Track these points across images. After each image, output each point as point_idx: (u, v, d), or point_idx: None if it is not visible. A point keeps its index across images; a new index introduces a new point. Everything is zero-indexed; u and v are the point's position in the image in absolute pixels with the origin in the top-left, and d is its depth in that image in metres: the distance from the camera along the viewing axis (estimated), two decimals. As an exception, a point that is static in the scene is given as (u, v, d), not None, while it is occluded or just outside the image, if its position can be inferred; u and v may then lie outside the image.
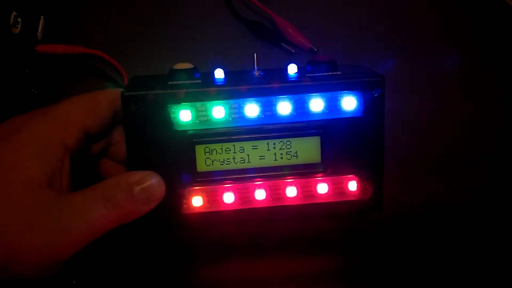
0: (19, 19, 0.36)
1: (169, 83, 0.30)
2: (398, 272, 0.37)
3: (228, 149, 0.31)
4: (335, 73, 0.31)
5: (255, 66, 0.33)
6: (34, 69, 0.37)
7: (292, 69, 0.32)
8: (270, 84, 0.30)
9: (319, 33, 0.39)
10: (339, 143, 0.31)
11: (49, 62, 0.38)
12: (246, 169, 0.31)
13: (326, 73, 0.31)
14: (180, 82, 0.30)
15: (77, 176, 0.29)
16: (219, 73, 0.32)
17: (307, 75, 0.31)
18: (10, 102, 0.36)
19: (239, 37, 0.39)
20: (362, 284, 0.36)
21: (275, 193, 0.32)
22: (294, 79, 0.31)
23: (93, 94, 0.31)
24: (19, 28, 0.36)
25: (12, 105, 0.36)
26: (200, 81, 0.31)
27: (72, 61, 0.38)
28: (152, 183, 0.28)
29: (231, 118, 0.31)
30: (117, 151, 0.34)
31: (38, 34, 0.37)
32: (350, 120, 0.31)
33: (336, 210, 0.33)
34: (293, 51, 0.39)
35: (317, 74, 0.31)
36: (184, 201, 0.32)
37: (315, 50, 0.39)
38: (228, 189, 0.32)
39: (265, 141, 0.31)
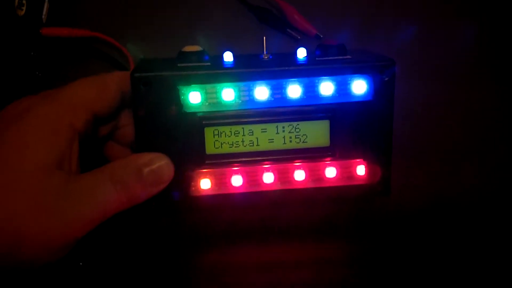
0: (24, 1, 0.35)
1: (179, 65, 0.30)
2: (404, 260, 0.37)
3: (237, 132, 0.31)
4: (344, 57, 0.31)
5: (264, 50, 0.33)
6: (39, 52, 0.37)
7: (302, 53, 0.32)
8: (280, 67, 0.30)
9: (325, 19, 0.39)
10: (348, 127, 0.31)
11: (54, 45, 0.37)
12: (255, 152, 0.31)
13: (335, 57, 0.31)
14: (190, 64, 0.30)
15: (85, 159, 0.29)
16: (228, 56, 0.32)
17: (316, 59, 0.31)
18: (15, 85, 0.36)
19: (245, 23, 0.39)
20: (368, 270, 0.36)
21: (284, 176, 0.32)
22: (303, 63, 0.31)
23: (101, 76, 0.31)
24: (24, 10, 0.35)
25: (17, 88, 0.36)
26: (209, 63, 0.30)
27: (77, 44, 0.38)
28: (161, 165, 0.28)
29: (240, 101, 0.30)
30: (123, 135, 0.34)
31: (43, 16, 0.37)
32: (360, 104, 0.31)
33: (344, 195, 0.33)
34: (299, 37, 0.39)
35: (326, 58, 0.31)
36: (192, 183, 0.31)
37: (321, 36, 0.39)
38: (236, 172, 0.32)
39: (274, 124, 0.31)
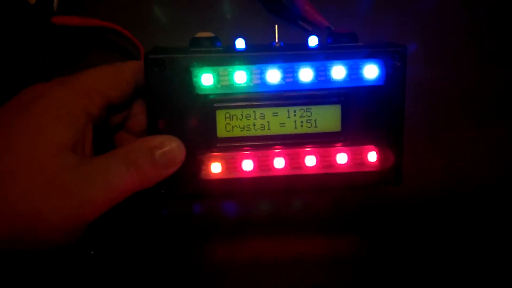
0: (36, -11, 0.35)
1: (192, 49, 0.30)
2: (414, 252, 0.36)
3: (249, 115, 0.31)
4: (356, 44, 0.31)
5: (276, 38, 0.33)
6: (49, 41, 0.37)
7: (313, 41, 0.32)
8: (292, 51, 0.30)
9: (336, 12, 0.39)
10: (359, 113, 0.31)
11: (65, 34, 0.37)
12: (266, 136, 0.31)
13: (347, 44, 0.31)
14: (202, 49, 0.30)
15: (97, 147, 0.29)
16: (240, 43, 0.32)
17: (328, 45, 0.31)
18: (25, 73, 0.36)
19: (256, 14, 0.39)
20: (376, 265, 0.35)
21: (294, 161, 0.32)
22: (316, 47, 0.31)
23: (116, 64, 0.31)
24: (35, -1, 0.36)
25: (27, 76, 0.36)
26: (221, 49, 0.30)
27: (88, 34, 0.38)
28: (172, 147, 0.29)
29: (252, 84, 0.30)
30: (135, 124, 0.34)
31: (54, 5, 0.37)
32: (372, 89, 0.31)
33: (355, 181, 0.32)
34: (310, 29, 0.39)
35: (338, 45, 0.31)
36: (203, 167, 0.31)
37: (333, 28, 0.39)
38: (247, 156, 0.31)
39: (286, 108, 0.31)
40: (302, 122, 0.31)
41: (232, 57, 0.30)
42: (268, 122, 0.31)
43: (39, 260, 0.28)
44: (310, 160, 0.32)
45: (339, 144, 0.32)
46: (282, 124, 0.31)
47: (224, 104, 0.30)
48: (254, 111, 0.31)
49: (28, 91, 0.28)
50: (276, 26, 0.33)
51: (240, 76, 0.30)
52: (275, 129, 0.31)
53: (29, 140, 0.26)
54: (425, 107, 0.38)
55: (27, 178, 0.25)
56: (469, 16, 0.39)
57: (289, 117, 0.31)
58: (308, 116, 0.31)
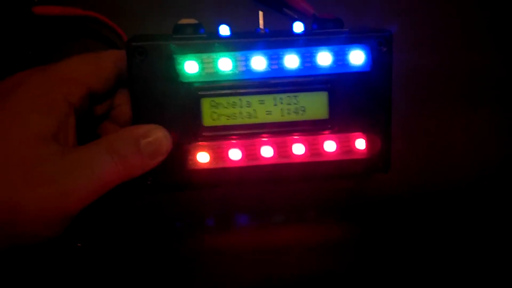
0: (16, -21, 0.35)
1: (174, 36, 0.30)
2: (403, 241, 0.36)
3: (235, 103, 0.30)
4: (342, 29, 0.31)
5: (260, 24, 0.33)
6: (31, 31, 0.36)
7: (298, 27, 0.32)
8: (277, 37, 0.30)
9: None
10: (347, 99, 0.31)
11: (46, 24, 0.37)
12: (253, 124, 0.31)
13: (333, 30, 0.31)
14: (186, 36, 0.30)
15: (81, 138, 0.28)
16: (224, 30, 0.31)
17: (313, 31, 0.31)
18: (7, 64, 0.35)
19: (239, 2, 0.38)
20: (367, 253, 0.35)
21: (282, 150, 0.31)
22: (301, 33, 0.30)
23: (96, 53, 0.30)
24: (15, -12, 0.35)
25: (9, 67, 0.35)
26: (205, 35, 0.30)
27: (69, 23, 0.37)
28: (158, 136, 0.28)
29: (237, 71, 0.30)
30: (119, 114, 0.33)
31: (35, -5, 0.36)
32: (358, 75, 0.31)
33: (343, 169, 0.32)
34: (295, 17, 0.38)
35: (323, 31, 0.31)
36: (190, 157, 0.31)
37: (318, 16, 0.38)
38: (234, 145, 0.31)
39: (272, 96, 0.31)
40: (289, 109, 0.31)
41: (216, 44, 0.29)
42: (254, 110, 0.31)
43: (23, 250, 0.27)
44: (298, 149, 0.31)
45: (327, 132, 0.31)
46: (268, 112, 0.31)
47: (209, 92, 0.30)
48: (240, 99, 0.30)
49: (6, 81, 0.27)
50: (261, 13, 0.33)
51: (225, 63, 0.29)
52: (262, 117, 0.31)
53: (6, 129, 0.25)
54: (412, 92, 0.38)
55: (6, 168, 0.24)
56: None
57: (275, 104, 0.31)
58: (295, 104, 0.31)
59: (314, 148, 0.32)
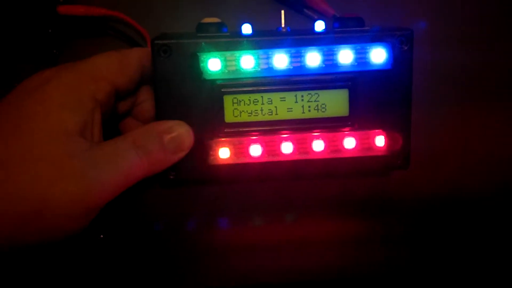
0: (41, -21, 0.35)
1: (198, 35, 0.30)
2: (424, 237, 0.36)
3: (256, 100, 0.31)
4: (363, 28, 0.31)
5: (282, 23, 0.33)
6: (55, 30, 0.37)
7: (320, 25, 0.32)
8: (299, 35, 0.30)
9: (342, 1, 0.39)
10: (367, 97, 0.31)
11: (71, 23, 0.37)
12: (274, 121, 0.31)
13: (354, 28, 0.31)
14: (209, 34, 0.30)
15: (105, 134, 0.29)
16: (246, 28, 0.32)
17: (335, 30, 0.31)
18: (32, 63, 0.36)
19: (261, 2, 0.39)
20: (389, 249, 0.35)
21: (302, 146, 0.32)
22: (322, 32, 0.31)
23: (122, 51, 0.31)
24: (41, -12, 0.36)
25: (34, 66, 0.36)
26: (228, 34, 0.30)
27: (94, 23, 0.38)
28: (181, 132, 0.29)
29: (259, 69, 0.30)
30: (142, 111, 0.34)
31: (60, -6, 0.37)
32: (379, 73, 0.31)
33: (362, 166, 0.32)
34: (316, 17, 0.39)
35: (345, 29, 0.31)
36: (211, 152, 0.31)
37: (338, 16, 0.39)
38: (255, 141, 0.31)
39: (293, 93, 0.31)
40: (309, 107, 0.31)
41: (239, 42, 0.30)
42: (275, 107, 0.31)
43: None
44: (318, 145, 0.32)
45: (346, 129, 0.32)
46: (289, 109, 0.31)
47: (232, 89, 0.30)
48: (262, 96, 0.31)
49: (35, 77, 0.28)
50: (283, 12, 0.33)
51: (247, 61, 0.30)
52: (283, 114, 0.31)
53: (36, 125, 0.26)
54: (433, 90, 0.38)
55: (35, 163, 0.25)
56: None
57: (296, 101, 0.31)
58: (316, 101, 0.31)
59: (333, 145, 0.32)
